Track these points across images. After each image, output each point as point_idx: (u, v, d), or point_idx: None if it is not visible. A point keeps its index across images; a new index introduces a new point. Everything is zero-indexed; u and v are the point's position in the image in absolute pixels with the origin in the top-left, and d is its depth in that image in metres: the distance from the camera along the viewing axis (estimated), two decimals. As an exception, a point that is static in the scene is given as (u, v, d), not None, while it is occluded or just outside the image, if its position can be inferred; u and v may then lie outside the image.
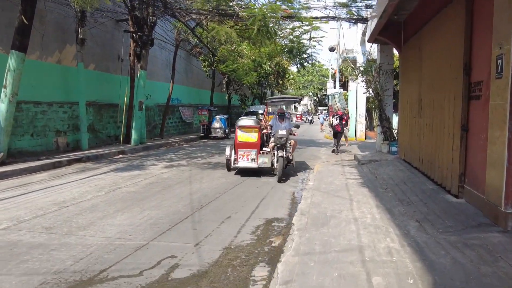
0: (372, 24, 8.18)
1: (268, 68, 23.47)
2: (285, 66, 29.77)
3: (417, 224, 3.92)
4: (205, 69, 20.73)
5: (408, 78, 7.59)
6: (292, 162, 7.92)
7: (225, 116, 19.44)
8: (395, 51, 9.97)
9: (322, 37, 11.66)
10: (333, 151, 12.08)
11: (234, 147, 7.90)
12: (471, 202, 4.33)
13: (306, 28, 11.21)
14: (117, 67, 14.82)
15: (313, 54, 13.21)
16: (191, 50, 21.60)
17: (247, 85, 25.88)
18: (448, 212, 4.23)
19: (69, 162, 9.99)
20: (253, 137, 7.73)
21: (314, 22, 10.67)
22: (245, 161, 7.73)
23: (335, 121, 11.95)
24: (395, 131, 9.68)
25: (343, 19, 11.13)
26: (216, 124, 18.98)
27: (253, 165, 7.68)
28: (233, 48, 16.30)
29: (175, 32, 17.59)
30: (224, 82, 24.56)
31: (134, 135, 14.06)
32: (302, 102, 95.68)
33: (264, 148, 8.07)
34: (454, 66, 4.69)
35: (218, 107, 27.90)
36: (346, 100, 18.60)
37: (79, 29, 11.85)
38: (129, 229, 4.23)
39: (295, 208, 5.02)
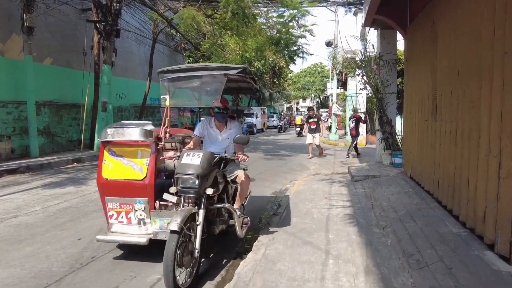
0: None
1: (260, 65, 21.51)
2: (281, 64, 27.84)
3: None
4: (189, 66, 18.86)
5: (417, 67, 5.63)
6: (240, 224, 3.47)
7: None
8: (399, 37, 8.01)
9: (312, 24, 9.86)
10: (348, 155, 11.50)
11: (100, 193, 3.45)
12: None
13: (292, 11, 9.32)
14: (81, 62, 12.99)
15: (303, 46, 11.25)
16: (175, 47, 19.81)
17: (239, 84, 24.00)
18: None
19: None
20: (136, 168, 3.31)
21: (302, 4, 8.76)
22: (122, 225, 3.40)
23: (351, 124, 11.75)
24: (399, 138, 7.70)
25: (337, 2, 9.19)
26: (200, 126, 17.07)
27: (140, 237, 3.28)
28: (218, 41, 14.44)
29: (152, 24, 15.76)
30: (214, 81, 22.72)
31: (96, 140, 12.21)
32: (304, 104, 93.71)
33: (165, 195, 3.28)
34: (502, 35, 2.74)
35: (211, 108, 25.96)
36: (344, 100, 16.65)
37: (24, 15, 10.03)
38: None
39: (231, 274, 3.08)
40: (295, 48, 11.72)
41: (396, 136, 7.70)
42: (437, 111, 4.48)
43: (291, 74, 38.68)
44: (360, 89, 8.25)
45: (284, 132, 28.05)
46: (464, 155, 3.49)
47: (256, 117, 26.70)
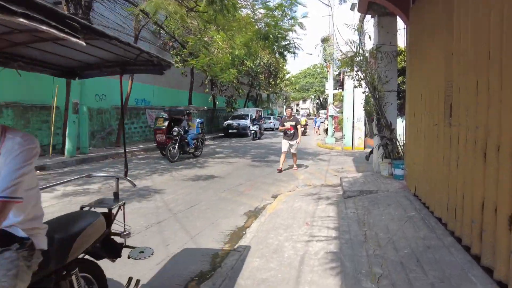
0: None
1: (252, 65, 20.34)
2: (276, 65, 26.69)
3: None
4: (177, 65, 17.73)
5: (423, 56, 4.44)
6: None
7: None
8: (399, 26, 6.84)
9: (303, 17, 8.72)
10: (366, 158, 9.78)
11: None
12: None
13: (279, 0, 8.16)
14: (52, 60, 11.87)
15: (294, 40, 10.07)
16: (163, 45, 18.68)
17: (233, 85, 22.86)
18: None
19: None
20: None
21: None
22: None
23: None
24: (400, 144, 6.51)
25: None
26: (187, 129, 15.93)
27: None
28: (201, 37, 13.29)
29: (134, 20, 14.64)
30: (206, 81, 21.55)
31: (68, 144, 11.08)
32: (304, 106, 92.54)
33: None
34: None
35: (203, 110, 24.88)
36: (342, 101, 15.46)
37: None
38: None
39: None
40: (285, 43, 10.57)
41: (397, 142, 6.52)
42: (452, 112, 3.30)
43: (289, 74, 37.47)
44: (355, 86, 7.07)
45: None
46: (501, 179, 2.31)
47: (251, 119, 25.51)
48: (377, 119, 6.67)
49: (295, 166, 9.27)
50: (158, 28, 17.31)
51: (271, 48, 10.60)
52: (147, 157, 12.61)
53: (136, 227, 4.44)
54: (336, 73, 20.45)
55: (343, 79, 15.89)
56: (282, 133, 9.23)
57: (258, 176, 8.32)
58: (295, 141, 8.87)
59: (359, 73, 6.73)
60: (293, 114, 9.02)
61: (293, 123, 8.84)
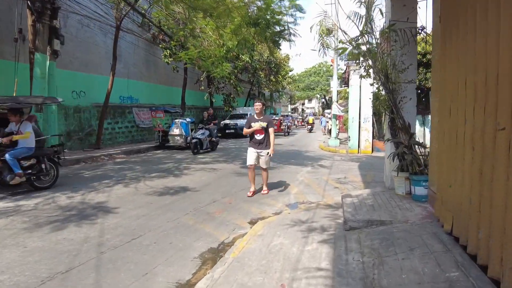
0: None
1: (248, 59, 18.73)
2: (278, 61, 25.04)
3: None
4: (166, 60, 16.24)
5: (469, 24, 2.83)
6: None
7: (188, 119, 14.89)
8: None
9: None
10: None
11: None
12: None
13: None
14: (15, 51, 10.44)
15: (289, 25, 8.48)
16: (153, 38, 17.20)
17: (230, 82, 21.31)
18: None
19: None
20: None
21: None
22: None
23: None
24: (422, 152, 4.88)
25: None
26: (175, 129, 14.44)
27: None
28: (188, 26, 11.79)
29: (114, 8, 13.17)
30: (202, 78, 20.02)
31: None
32: (309, 105, 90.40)
33: None
34: None
35: (198, 109, 23.40)
36: (347, 98, 13.82)
37: None
38: None
39: None
40: (279, 29, 8.99)
41: (416, 150, 4.88)
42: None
43: (292, 72, 35.78)
44: (361, 76, 5.41)
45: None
46: None
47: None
48: (391, 119, 5.04)
49: (264, 188, 6.41)
50: (146, 20, 15.87)
51: (263, 36, 9.00)
52: (125, 161, 11.13)
53: (32, 280, 2.94)
54: (342, 67, 18.77)
55: (348, 73, 14.23)
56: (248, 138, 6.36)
57: (241, 188, 6.75)
58: (265, 151, 6.08)
59: (366, 59, 5.10)
60: (263, 112, 6.23)
61: (264, 124, 6.06)
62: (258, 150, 6.13)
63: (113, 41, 13.28)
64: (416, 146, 4.80)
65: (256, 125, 6.10)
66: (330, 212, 4.83)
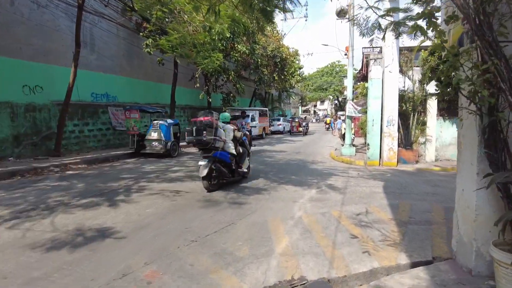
0: None
1: (245, 49, 15.97)
2: (284, 56, 22.21)
3: None
4: (147, 49, 13.70)
5: None
6: None
7: (170, 121, 12.29)
8: None
9: None
10: None
11: None
12: None
13: None
14: None
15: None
16: (136, 27, 14.72)
17: (229, 79, 18.66)
18: None
19: None
20: None
21: None
22: None
23: None
24: None
25: None
26: (153, 133, 11.91)
27: None
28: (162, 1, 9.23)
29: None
30: (197, 74, 17.39)
31: None
32: (322, 107, 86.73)
33: None
34: None
35: (193, 109, 20.81)
36: (365, 95, 10.97)
37: None
38: None
39: None
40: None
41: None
42: None
43: (301, 70, 32.86)
44: (449, 18, 2.56)
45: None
46: None
47: (253, 120, 21.25)
48: (490, 124, 2.25)
49: None
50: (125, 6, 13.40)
51: (247, 4, 6.25)
52: (77, 174, 8.59)
53: None
54: (348, 48, 15.84)
55: (367, 65, 11.36)
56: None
57: (198, 235, 4.03)
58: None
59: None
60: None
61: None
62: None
63: (75, 24, 10.81)
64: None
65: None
66: None
